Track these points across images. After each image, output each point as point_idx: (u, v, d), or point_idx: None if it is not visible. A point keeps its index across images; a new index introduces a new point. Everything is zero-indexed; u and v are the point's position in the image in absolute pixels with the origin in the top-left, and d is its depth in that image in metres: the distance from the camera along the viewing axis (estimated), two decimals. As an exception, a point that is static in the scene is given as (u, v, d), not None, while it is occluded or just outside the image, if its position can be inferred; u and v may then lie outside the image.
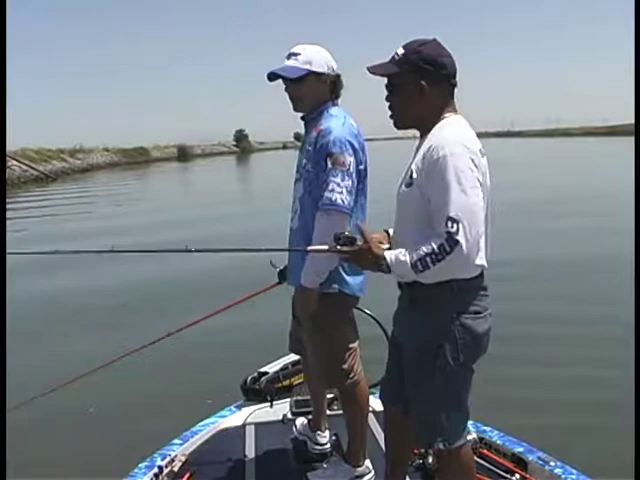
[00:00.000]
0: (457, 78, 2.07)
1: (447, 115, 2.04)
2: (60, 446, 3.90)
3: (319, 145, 2.42)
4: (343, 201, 2.34)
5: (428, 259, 1.87)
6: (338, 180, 2.35)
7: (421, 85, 2.00)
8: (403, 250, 1.94)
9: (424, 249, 1.88)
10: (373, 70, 2.08)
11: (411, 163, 2.05)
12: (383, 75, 2.08)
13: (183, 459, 2.89)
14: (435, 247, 1.86)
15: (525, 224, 11.83)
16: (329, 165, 2.37)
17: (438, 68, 2.01)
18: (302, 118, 2.64)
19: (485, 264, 2.04)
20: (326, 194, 2.35)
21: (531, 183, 20.38)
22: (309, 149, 2.49)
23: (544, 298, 6.99)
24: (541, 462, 2.70)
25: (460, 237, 1.84)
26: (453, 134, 1.96)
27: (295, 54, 2.50)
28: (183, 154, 68.77)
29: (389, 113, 2.12)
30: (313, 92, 2.51)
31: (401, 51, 2.04)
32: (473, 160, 1.91)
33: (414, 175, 1.99)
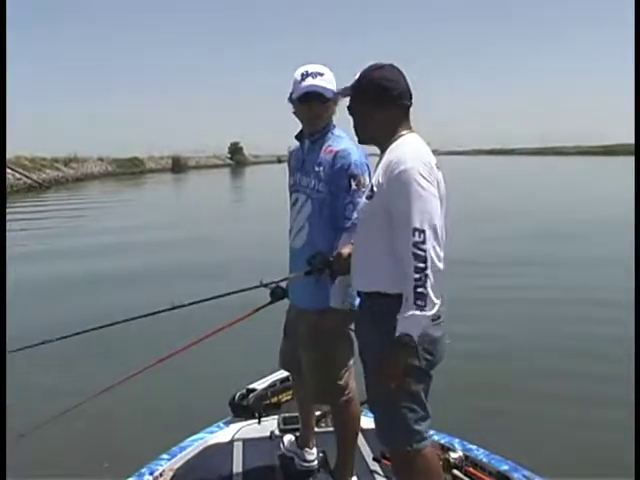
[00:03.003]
0: (409, 99, 2.16)
1: (403, 133, 2.14)
2: (47, 463, 3.85)
3: (339, 165, 2.45)
4: None
5: (420, 289, 1.92)
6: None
7: (366, 108, 2.14)
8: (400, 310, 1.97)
9: (408, 287, 1.93)
10: (338, 92, 2.31)
11: (371, 178, 2.17)
12: (343, 97, 2.27)
13: (171, 474, 2.90)
14: (412, 273, 1.92)
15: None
16: (353, 186, 2.42)
17: (382, 92, 2.11)
18: (297, 137, 2.66)
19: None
20: (355, 215, 2.38)
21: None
22: (319, 170, 2.50)
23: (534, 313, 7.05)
24: None
25: (427, 245, 1.93)
26: (411, 151, 2.07)
27: (320, 73, 2.49)
28: (177, 165, 68.46)
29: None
30: (330, 112, 2.56)
31: (357, 75, 2.17)
32: (430, 174, 2.02)
33: (374, 189, 2.09)
